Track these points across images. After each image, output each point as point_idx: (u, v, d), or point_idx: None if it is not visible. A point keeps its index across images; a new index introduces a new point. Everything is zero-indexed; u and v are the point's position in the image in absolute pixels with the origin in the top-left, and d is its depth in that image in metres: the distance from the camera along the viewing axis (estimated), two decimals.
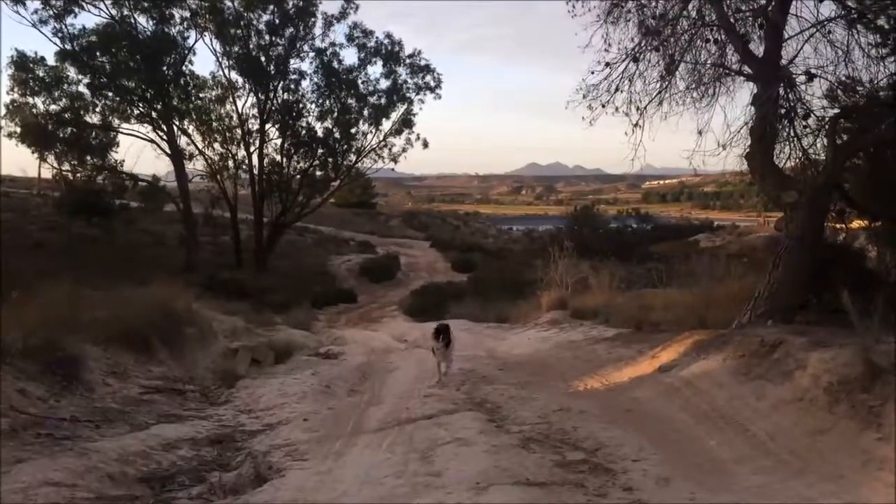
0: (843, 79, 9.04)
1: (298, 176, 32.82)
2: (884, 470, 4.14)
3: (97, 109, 29.60)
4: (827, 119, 9.09)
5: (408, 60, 32.49)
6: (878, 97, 8.90)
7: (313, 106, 32.74)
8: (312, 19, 31.21)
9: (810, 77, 9.04)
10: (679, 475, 4.55)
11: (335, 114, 32.60)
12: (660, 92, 9.98)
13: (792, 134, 9.32)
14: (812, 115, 9.29)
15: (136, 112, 30.00)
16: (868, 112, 8.70)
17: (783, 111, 9.15)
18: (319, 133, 32.83)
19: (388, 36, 32.44)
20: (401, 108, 32.84)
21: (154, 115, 30.00)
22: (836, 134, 8.66)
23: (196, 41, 30.60)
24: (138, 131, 30.15)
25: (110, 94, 29.35)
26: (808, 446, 4.80)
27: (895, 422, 4.40)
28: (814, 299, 8.46)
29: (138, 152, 36.94)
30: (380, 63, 32.24)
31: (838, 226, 10.24)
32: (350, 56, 32.56)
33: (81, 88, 29.00)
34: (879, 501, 3.86)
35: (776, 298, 8.51)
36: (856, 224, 10.46)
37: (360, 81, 32.38)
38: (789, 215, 8.82)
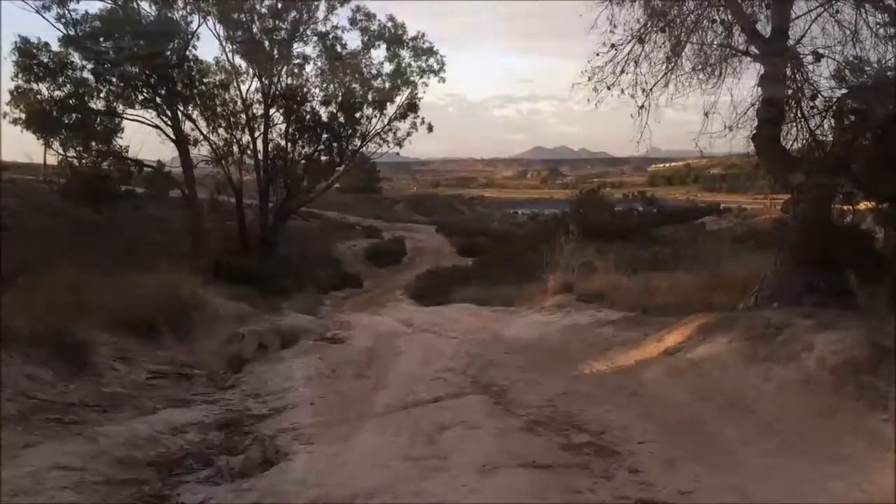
0: (851, 59, 8.97)
1: (303, 161, 32.78)
2: (891, 451, 4.14)
3: (101, 95, 29.55)
4: (834, 100, 9.03)
5: (411, 43, 32.30)
6: (886, 77, 8.82)
7: (317, 90, 32.63)
8: (315, 3, 31.03)
9: (818, 57, 8.97)
10: (685, 457, 4.56)
11: (339, 98, 32.48)
12: (665, 73, 9.92)
13: (799, 115, 9.27)
14: (819, 95, 9.23)
15: (140, 97, 29.95)
16: (876, 92, 8.63)
17: (790, 92, 9.09)
18: (324, 118, 32.73)
19: (391, 19, 32.22)
20: (405, 92, 32.69)
21: (158, 100, 29.94)
22: (843, 114, 8.61)
23: (199, 26, 30.50)
24: (143, 117, 30.13)
25: (114, 79, 29.29)
26: (815, 428, 4.81)
27: None
28: (820, 282, 8.43)
29: (143, 138, 36.95)
30: (383, 46, 32.07)
31: (845, 208, 10.19)
32: (353, 40, 32.37)
33: (85, 74, 28.96)
34: (886, 483, 3.87)
35: (782, 281, 8.49)
36: (863, 206, 10.42)
37: (363, 65, 32.23)
38: (796, 197, 8.78)
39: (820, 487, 3.98)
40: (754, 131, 9.13)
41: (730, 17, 9.49)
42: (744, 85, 9.89)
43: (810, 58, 9.00)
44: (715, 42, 9.66)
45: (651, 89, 9.94)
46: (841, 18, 8.98)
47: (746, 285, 9.25)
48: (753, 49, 9.24)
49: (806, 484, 4.05)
